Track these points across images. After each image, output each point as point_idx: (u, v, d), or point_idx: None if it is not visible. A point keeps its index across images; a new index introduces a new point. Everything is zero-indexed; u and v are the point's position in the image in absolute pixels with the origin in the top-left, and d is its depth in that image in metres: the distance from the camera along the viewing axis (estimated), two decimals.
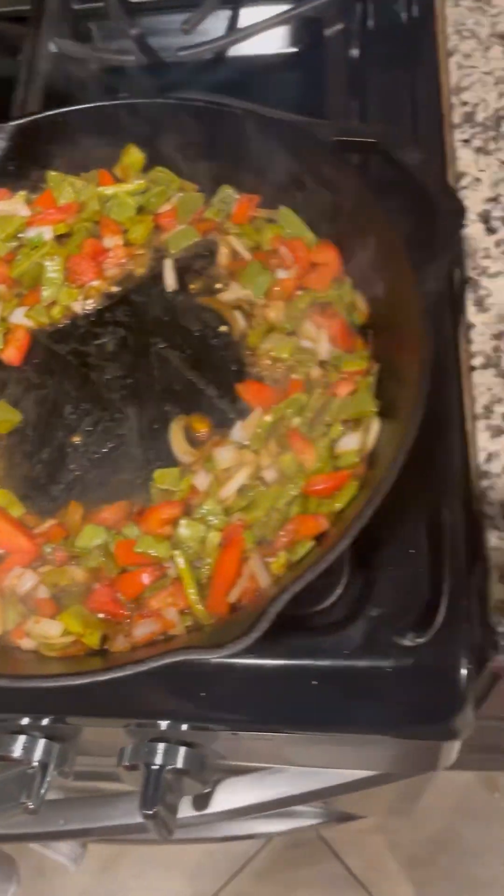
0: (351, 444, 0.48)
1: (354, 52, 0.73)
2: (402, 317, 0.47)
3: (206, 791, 0.56)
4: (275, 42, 0.77)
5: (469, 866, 1.30)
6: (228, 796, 0.66)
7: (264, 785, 0.65)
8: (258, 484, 0.48)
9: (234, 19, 0.77)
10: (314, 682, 0.48)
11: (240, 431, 0.50)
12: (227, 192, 0.59)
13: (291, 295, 0.55)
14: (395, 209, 0.51)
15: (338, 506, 0.46)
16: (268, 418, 0.49)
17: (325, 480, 0.47)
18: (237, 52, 0.78)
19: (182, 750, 0.53)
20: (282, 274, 0.56)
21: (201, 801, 0.65)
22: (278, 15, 0.71)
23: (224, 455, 0.48)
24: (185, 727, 0.52)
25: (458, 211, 0.48)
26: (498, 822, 1.31)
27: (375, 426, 0.48)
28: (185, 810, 0.65)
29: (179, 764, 0.53)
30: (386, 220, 0.49)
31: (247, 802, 0.65)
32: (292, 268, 0.55)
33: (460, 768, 1.27)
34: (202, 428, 0.52)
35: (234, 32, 0.72)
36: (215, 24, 0.77)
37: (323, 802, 0.82)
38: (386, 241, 0.49)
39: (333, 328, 0.52)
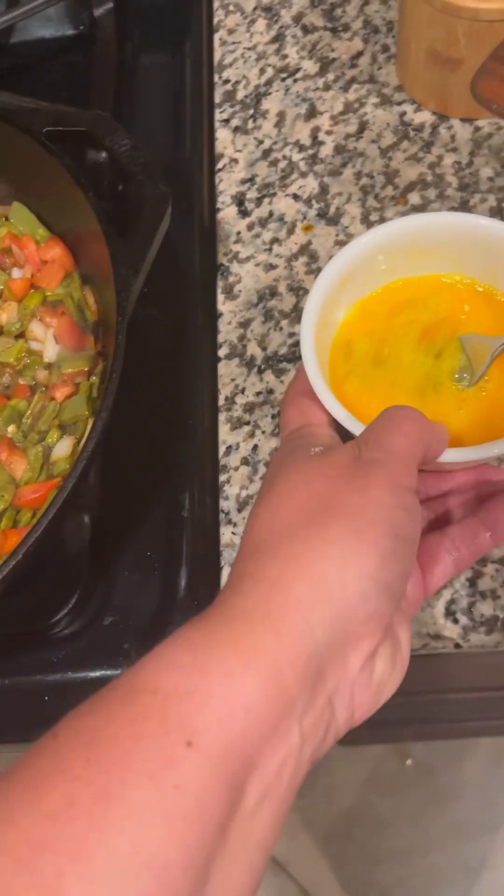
0: (63, 450, 0.46)
1: (128, 33, 0.70)
2: (111, 313, 0.45)
3: None
4: (55, 25, 0.74)
5: (383, 836, 1.32)
6: None
7: None
8: None
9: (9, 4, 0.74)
10: (46, 698, 0.46)
11: None
12: None
13: (25, 295, 0.52)
14: (107, 199, 0.49)
15: None
16: None
17: (35, 490, 0.45)
18: (21, 38, 0.75)
19: None
20: (17, 274, 0.53)
21: None
22: None
23: None
24: None
25: (162, 198, 0.46)
26: (408, 790, 1.33)
27: (90, 430, 0.46)
28: None
29: None
30: (91, 212, 0.46)
31: None
32: (25, 266, 0.53)
33: (374, 742, 1.27)
34: None
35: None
36: None
37: None
38: (94, 235, 0.47)
39: (60, 327, 0.50)
